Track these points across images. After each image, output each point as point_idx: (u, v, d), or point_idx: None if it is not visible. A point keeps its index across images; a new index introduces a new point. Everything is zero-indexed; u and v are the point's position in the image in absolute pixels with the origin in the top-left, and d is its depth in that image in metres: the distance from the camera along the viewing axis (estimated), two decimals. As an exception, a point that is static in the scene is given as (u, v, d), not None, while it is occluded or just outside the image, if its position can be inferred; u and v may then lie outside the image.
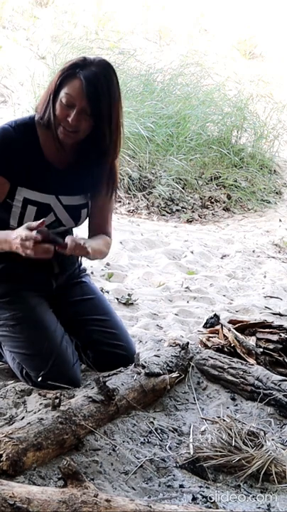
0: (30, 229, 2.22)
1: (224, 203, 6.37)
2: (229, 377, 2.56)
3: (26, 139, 2.35)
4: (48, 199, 2.40)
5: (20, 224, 2.36)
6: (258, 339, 2.81)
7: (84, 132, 2.32)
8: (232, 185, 6.54)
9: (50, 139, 2.35)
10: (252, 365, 2.61)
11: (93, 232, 2.57)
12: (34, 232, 2.21)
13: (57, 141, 2.34)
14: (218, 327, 2.94)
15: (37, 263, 2.45)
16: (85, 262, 2.77)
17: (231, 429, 2.11)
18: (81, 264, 2.70)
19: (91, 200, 2.52)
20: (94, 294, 2.66)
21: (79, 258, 2.64)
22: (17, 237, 2.23)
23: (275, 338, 2.80)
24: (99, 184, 2.47)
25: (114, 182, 2.51)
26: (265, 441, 2.09)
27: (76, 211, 2.49)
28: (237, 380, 2.54)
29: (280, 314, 3.56)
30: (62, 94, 2.26)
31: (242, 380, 2.53)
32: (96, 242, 2.46)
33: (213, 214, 6.19)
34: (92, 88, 2.24)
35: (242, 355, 2.71)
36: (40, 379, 2.38)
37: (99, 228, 2.57)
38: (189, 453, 2.06)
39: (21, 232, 2.23)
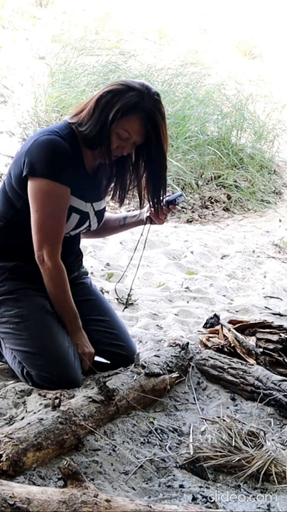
0: None
1: (223, 203, 6.37)
2: (229, 378, 2.56)
3: (74, 150, 2.43)
4: (88, 207, 2.51)
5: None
6: (258, 339, 2.81)
7: None
8: (232, 185, 6.53)
9: (89, 151, 2.45)
10: (252, 365, 2.61)
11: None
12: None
13: (99, 161, 2.46)
14: (218, 327, 2.94)
15: None
16: (84, 262, 2.78)
17: (231, 429, 2.11)
18: (81, 264, 2.72)
19: None
20: (95, 295, 2.69)
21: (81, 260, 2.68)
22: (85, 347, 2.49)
23: (275, 338, 2.81)
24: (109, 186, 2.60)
25: None
26: (265, 442, 2.09)
27: (102, 215, 2.62)
28: (237, 380, 2.54)
29: (280, 314, 3.57)
30: (120, 129, 2.36)
31: (242, 380, 2.53)
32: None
33: (213, 214, 6.19)
34: (150, 126, 2.36)
35: (242, 355, 2.71)
36: (40, 379, 2.39)
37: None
38: (189, 453, 2.06)
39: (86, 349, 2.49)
